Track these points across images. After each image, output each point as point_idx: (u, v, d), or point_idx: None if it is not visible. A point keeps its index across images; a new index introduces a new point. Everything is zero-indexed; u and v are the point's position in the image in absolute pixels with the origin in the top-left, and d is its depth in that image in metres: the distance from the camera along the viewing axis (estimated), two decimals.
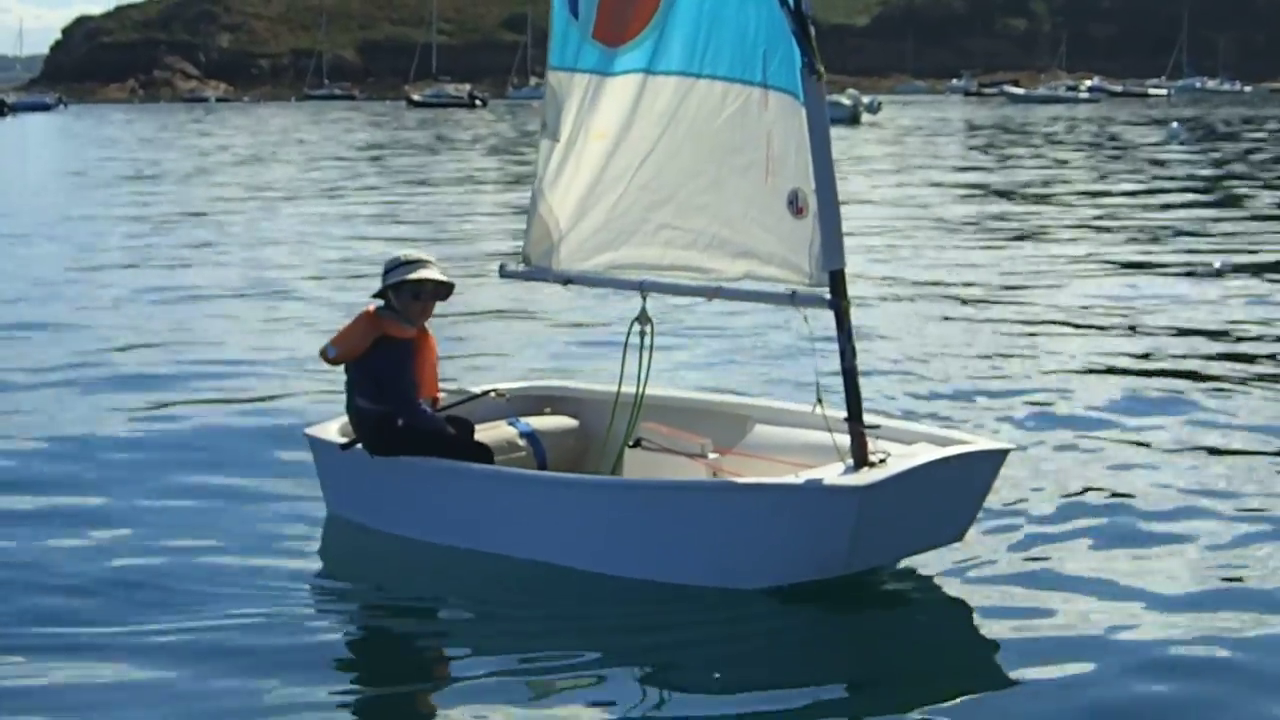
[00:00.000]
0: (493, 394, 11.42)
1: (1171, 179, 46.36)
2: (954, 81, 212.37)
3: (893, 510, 9.20)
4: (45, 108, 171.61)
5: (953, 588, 9.67)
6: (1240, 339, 18.04)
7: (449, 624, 9.58)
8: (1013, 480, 11.41)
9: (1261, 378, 15.74)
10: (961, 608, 9.43)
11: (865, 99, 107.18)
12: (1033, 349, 17.55)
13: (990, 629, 9.03)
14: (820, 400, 9.72)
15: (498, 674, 8.56)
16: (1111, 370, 16.18)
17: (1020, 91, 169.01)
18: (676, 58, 9.97)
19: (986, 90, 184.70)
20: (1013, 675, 8.38)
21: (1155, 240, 29.09)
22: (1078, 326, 19.15)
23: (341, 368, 10.45)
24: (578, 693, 8.37)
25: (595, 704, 8.24)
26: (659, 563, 9.49)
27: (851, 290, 9.52)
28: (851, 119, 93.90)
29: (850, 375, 9.36)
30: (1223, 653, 8.62)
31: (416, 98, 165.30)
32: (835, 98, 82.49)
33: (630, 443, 10.59)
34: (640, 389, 10.56)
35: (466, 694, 8.38)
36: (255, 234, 33.33)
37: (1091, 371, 16.16)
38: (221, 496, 11.95)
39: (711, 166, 9.96)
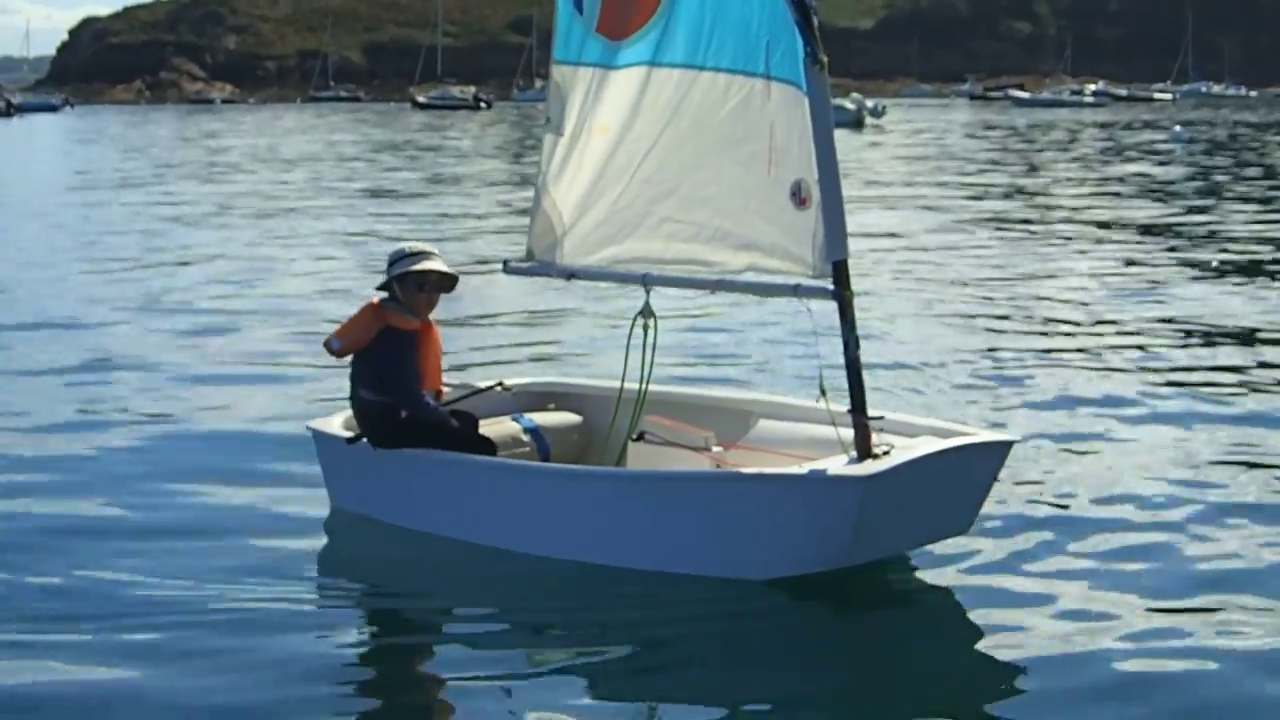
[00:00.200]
0: (498, 387, 11.45)
1: (1174, 180, 46.34)
2: (961, 86, 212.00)
3: (896, 502, 9.21)
4: (52, 108, 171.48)
5: (955, 581, 9.68)
6: (1243, 338, 18.03)
7: (450, 615, 9.60)
8: (1016, 473, 11.42)
9: (1266, 376, 15.74)
10: (964, 601, 9.43)
11: (869, 103, 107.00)
12: (1036, 344, 17.57)
13: (992, 623, 9.03)
14: (823, 393, 9.73)
15: (501, 666, 8.58)
16: (1116, 366, 16.20)
17: (1025, 95, 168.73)
18: (680, 50, 9.99)
19: (991, 94, 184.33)
20: (1014, 670, 8.38)
21: (1157, 240, 29.11)
22: (1082, 323, 19.16)
23: (345, 360, 10.48)
24: (580, 685, 8.37)
25: (597, 696, 8.25)
26: (663, 554, 9.50)
27: (854, 285, 9.50)
28: (855, 123, 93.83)
29: (854, 366, 9.36)
30: (1227, 650, 8.62)
31: (421, 100, 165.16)
32: (839, 101, 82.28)
33: (634, 436, 10.60)
34: (644, 383, 10.58)
35: (469, 685, 8.39)
36: (258, 230, 33.45)
37: (1095, 367, 16.17)
38: (225, 490, 11.97)
39: (714, 159, 9.98)
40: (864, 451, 9.28)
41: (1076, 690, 8.11)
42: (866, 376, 9.51)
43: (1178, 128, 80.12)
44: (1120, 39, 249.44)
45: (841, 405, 9.45)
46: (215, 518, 11.25)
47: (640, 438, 10.56)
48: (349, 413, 10.74)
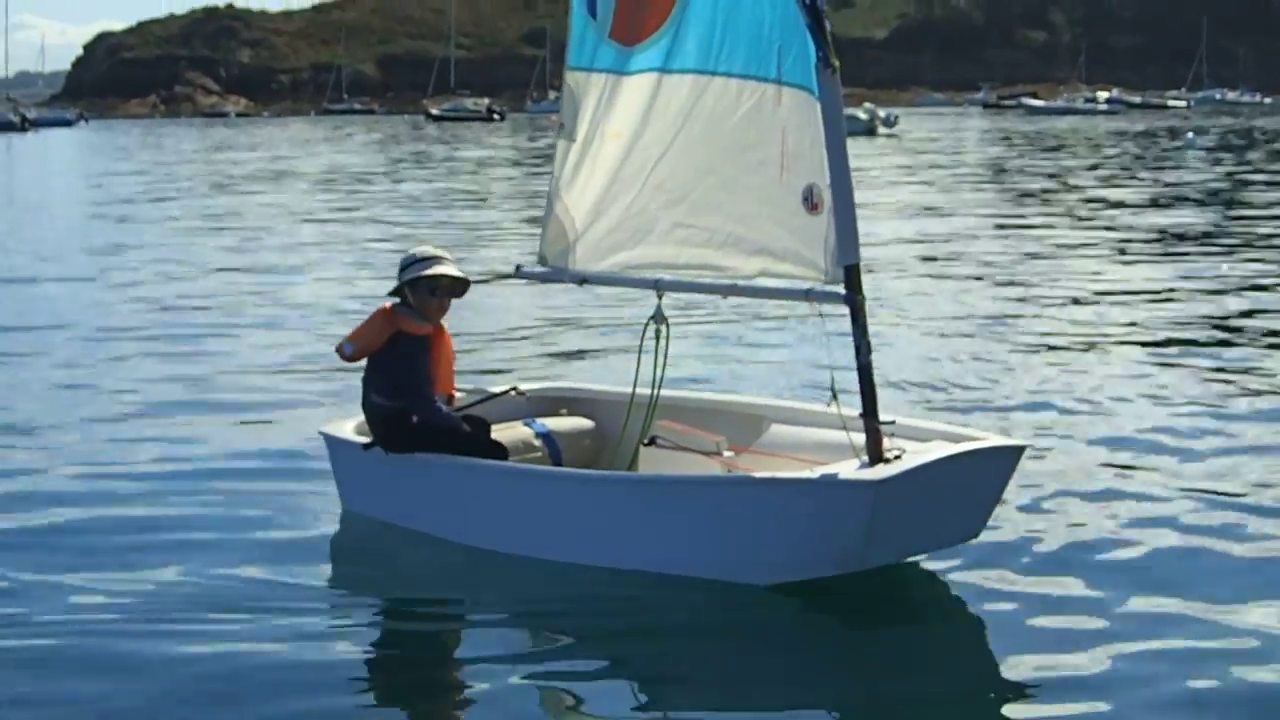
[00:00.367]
0: (512, 392, 11.45)
1: (1187, 185, 46.29)
2: (975, 95, 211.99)
3: (907, 506, 9.17)
4: (66, 123, 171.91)
5: (963, 585, 9.64)
6: (1260, 342, 17.99)
7: (461, 620, 9.58)
8: (1027, 478, 11.38)
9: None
10: (972, 606, 9.39)
11: (881, 112, 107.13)
12: (1048, 349, 17.53)
13: (1001, 627, 8.99)
14: (835, 397, 9.72)
15: (511, 670, 8.55)
16: (1129, 372, 16.13)
17: (1039, 103, 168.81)
18: (692, 56, 9.98)
19: (1005, 102, 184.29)
20: (1022, 674, 8.33)
21: (1169, 246, 29.03)
22: (1095, 328, 19.12)
23: (356, 364, 10.49)
24: (590, 689, 8.36)
25: (607, 701, 8.22)
26: (675, 558, 9.49)
27: (865, 290, 9.47)
28: (868, 131, 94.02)
29: (865, 371, 9.33)
30: (1242, 651, 8.58)
31: (435, 111, 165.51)
32: (851, 111, 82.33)
33: (645, 440, 10.61)
34: (655, 388, 10.58)
35: (478, 689, 8.39)
36: (272, 239, 33.57)
37: (1107, 372, 16.12)
38: (237, 494, 11.97)
39: (726, 164, 9.96)
40: (875, 456, 9.25)
41: (1086, 696, 8.06)
42: (877, 381, 9.48)
43: (1190, 134, 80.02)
44: (1135, 47, 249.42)
45: (853, 410, 9.43)
46: (226, 521, 11.25)
47: (652, 442, 10.54)
48: (361, 417, 10.75)
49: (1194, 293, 22.35)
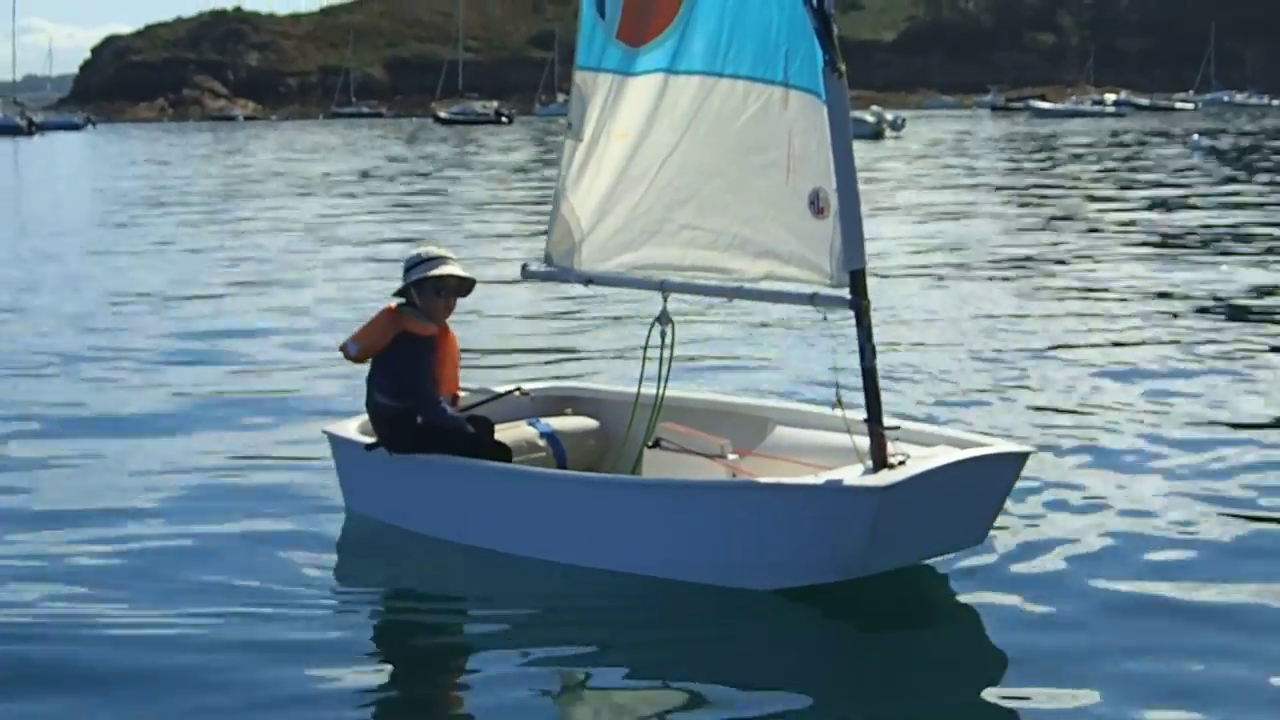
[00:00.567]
0: (517, 392, 11.43)
1: (1190, 186, 46.26)
2: (984, 97, 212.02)
3: (912, 512, 9.14)
4: (74, 127, 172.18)
5: (969, 591, 9.60)
6: (1266, 347, 17.94)
7: (462, 621, 9.57)
8: (1032, 483, 11.35)
9: None
10: (977, 611, 9.35)
11: (889, 115, 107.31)
12: (1054, 354, 17.48)
13: (1006, 633, 8.96)
14: (840, 401, 9.69)
15: (512, 672, 8.53)
16: (1133, 377, 16.07)
17: (1046, 106, 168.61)
18: (699, 57, 9.95)
19: (1013, 105, 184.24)
20: (1027, 680, 8.30)
21: (1175, 249, 28.98)
22: (1100, 333, 19.07)
23: (359, 363, 10.48)
24: (591, 693, 8.37)
25: (608, 705, 8.24)
26: (676, 562, 9.47)
27: (871, 292, 9.46)
28: (874, 135, 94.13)
29: (870, 376, 9.30)
30: (1244, 655, 8.55)
31: (443, 115, 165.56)
32: (859, 114, 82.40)
33: (649, 443, 10.58)
34: (660, 389, 10.55)
35: (480, 691, 8.40)
36: (277, 233, 33.71)
37: (1113, 377, 16.06)
38: (240, 493, 12.03)
39: (732, 166, 9.93)
40: (880, 461, 9.22)
41: (1090, 702, 8.03)
42: (882, 384, 9.46)
43: (1195, 135, 80.00)
44: (1143, 49, 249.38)
45: (858, 413, 9.40)
46: (230, 521, 11.26)
47: (656, 445, 10.52)
48: (365, 417, 10.75)
49: (1200, 296, 22.31)
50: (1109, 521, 10.92)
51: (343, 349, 10.40)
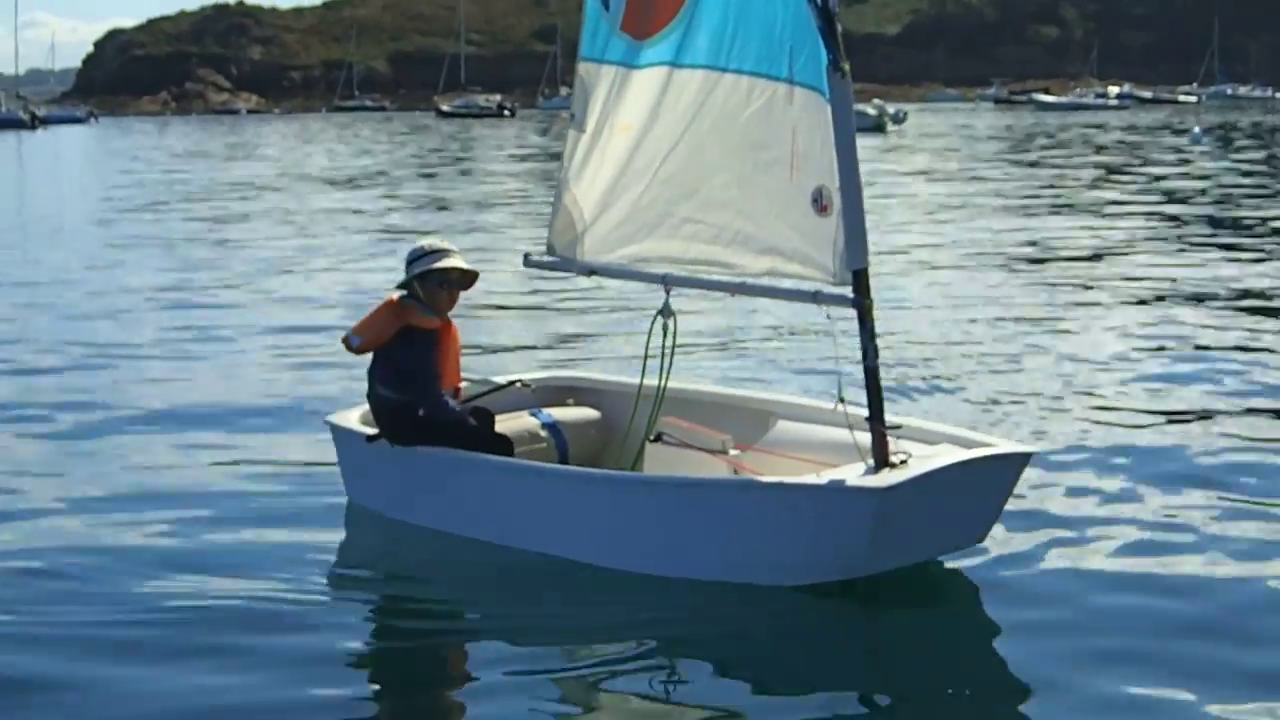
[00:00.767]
0: (518, 384, 11.45)
1: (1195, 180, 46.22)
2: (986, 90, 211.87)
3: (913, 512, 9.13)
4: (77, 121, 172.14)
5: (971, 590, 9.60)
6: (1269, 348, 17.93)
7: (462, 615, 9.60)
8: (1035, 482, 11.35)
9: None
10: (980, 610, 9.36)
11: (890, 108, 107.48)
12: (1057, 352, 17.44)
13: (1008, 631, 8.96)
14: (842, 398, 9.68)
15: (510, 666, 8.54)
16: (1138, 376, 16.04)
17: (1049, 99, 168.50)
18: (703, 51, 9.93)
19: (1016, 98, 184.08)
20: (1030, 678, 8.30)
21: (1178, 245, 28.91)
22: (1104, 330, 19.03)
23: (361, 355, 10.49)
24: (590, 688, 8.36)
25: (606, 700, 8.24)
26: (676, 560, 9.46)
27: (874, 291, 9.43)
28: (876, 128, 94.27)
29: (872, 374, 9.29)
30: (1247, 653, 8.56)
31: (446, 108, 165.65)
32: (860, 107, 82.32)
33: (651, 437, 10.58)
34: (662, 382, 10.54)
35: (477, 685, 8.41)
36: (281, 224, 33.75)
37: (1117, 376, 16.02)
38: (242, 483, 12.07)
39: (736, 162, 9.91)
40: (881, 460, 9.22)
41: (1094, 698, 8.04)
42: (884, 381, 9.45)
43: (1197, 129, 79.95)
44: (1147, 42, 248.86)
45: (860, 409, 9.39)
46: (231, 510, 11.31)
47: (658, 439, 10.52)
48: (366, 407, 10.75)
49: (1208, 290, 22.31)
50: (1111, 521, 10.89)
51: (345, 341, 10.38)
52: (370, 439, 10.57)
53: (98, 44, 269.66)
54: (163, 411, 14.79)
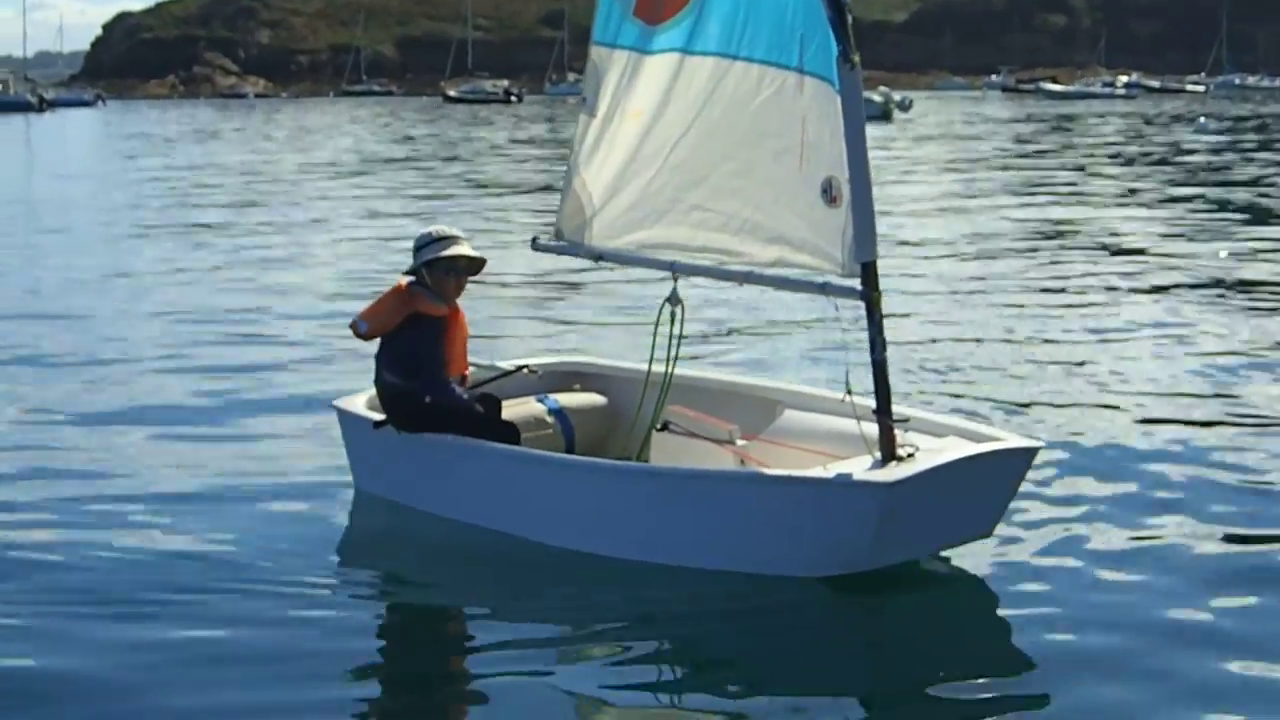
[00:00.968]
0: (525, 370, 11.44)
1: (1199, 170, 46.13)
2: (992, 78, 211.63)
3: (919, 506, 9.11)
4: (85, 104, 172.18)
5: (977, 584, 9.57)
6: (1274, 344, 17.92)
7: (468, 604, 9.55)
8: (1043, 477, 11.32)
9: None
10: (985, 604, 9.35)
11: (896, 96, 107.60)
12: (1066, 344, 17.42)
13: (1013, 626, 8.94)
14: (849, 390, 9.66)
15: (512, 661, 8.52)
16: (1148, 369, 15.99)
17: (1056, 88, 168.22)
18: (714, 38, 9.89)
19: (1023, 86, 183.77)
20: (1034, 673, 8.29)
21: (1183, 236, 28.85)
22: (1115, 323, 18.98)
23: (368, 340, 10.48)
24: (595, 676, 8.34)
25: (610, 689, 8.19)
26: (681, 550, 9.45)
27: (882, 283, 9.40)
28: (882, 115, 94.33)
29: (880, 367, 9.27)
30: (1251, 648, 8.55)
31: (452, 93, 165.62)
32: (866, 95, 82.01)
33: (658, 425, 10.56)
34: (669, 369, 10.51)
35: (480, 680, 8.39)
36: (289, 215, 33.85)
37: (1127, 369, 15.97)
38: (248, 469, 12.06)
39: (745, 150, 9.87)
40: (888, 453, 9.21)
41: (1102, 690, 8.04)
42: (892, 372, 9.42)
43: (1203, 118, 79.86)
44: (1155, 31, 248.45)
45: (867, 401, 9.37)
46: (239, 495, 11.33)
47: (665, 428, 10.50)
48: (373, 393, 10.74)
49: (1215, 282, 22.27)
50: (1118, 515, 10.85)
51: (353, 326, 10.38)
52: (377, 425, 10.56)
53: (106, 27, 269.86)
54: (166, 395, 14.82)
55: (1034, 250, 26.56)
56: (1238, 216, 32.18)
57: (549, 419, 10.91)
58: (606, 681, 8.25)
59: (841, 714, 7.99)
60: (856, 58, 9.20)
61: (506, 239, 26.92)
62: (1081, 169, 48.71)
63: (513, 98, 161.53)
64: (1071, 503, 11.08)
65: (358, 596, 9.51)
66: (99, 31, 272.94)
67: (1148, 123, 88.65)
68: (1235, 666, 8.33)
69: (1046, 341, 17.57)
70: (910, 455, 9.20)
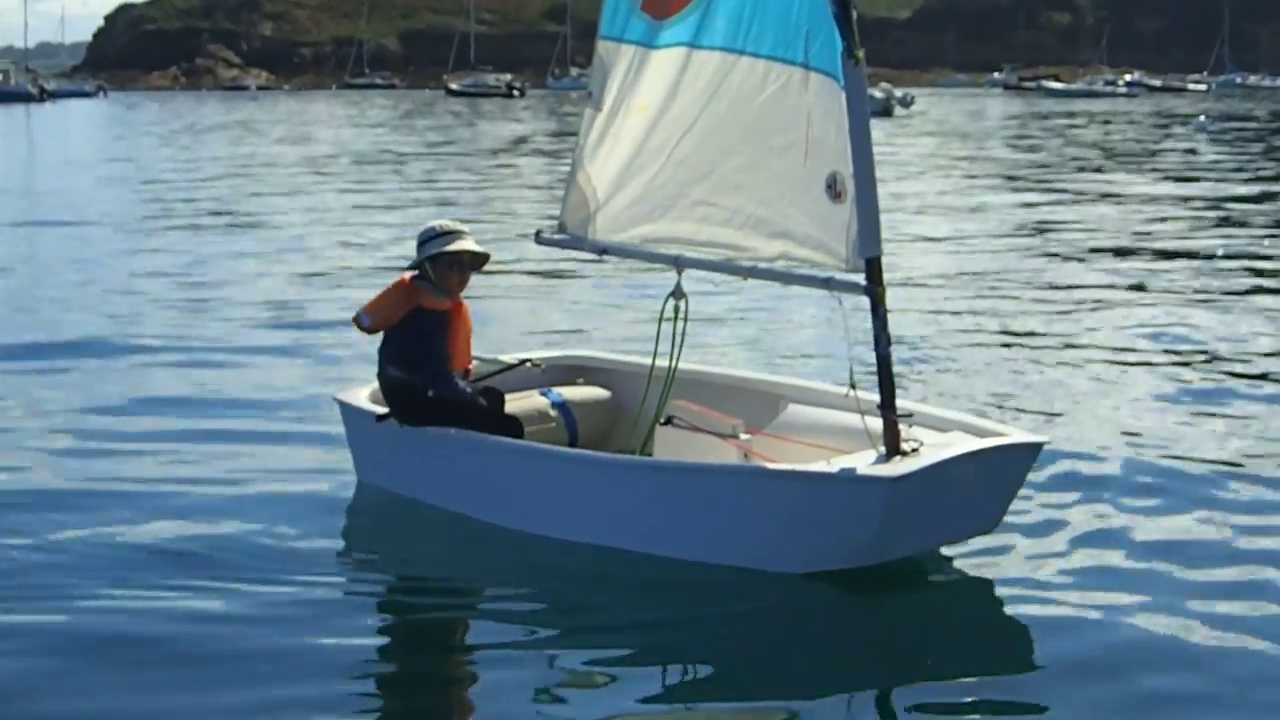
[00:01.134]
0: (528, 363, 11.44)
1: (1199, 167, 46.13)
2: (995, 75, 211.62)
3: (923, 501, 9.11)
4: (86, 95, 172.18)
5: (980, 579, 9.56)
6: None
7: (470, 598, 9.56)
8: (1047, 472, 11.32)
9: None
10: (986, 603, 9.34)
11: (898, 92, 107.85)
12: (1071, 340, 17.44)
13: (1014, 625, 8.94)
14: (853, 385, 9.65)
15: (517, 650, 8.54)
16: (1148, 364, 16.01)
17: (1058, 86, 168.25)
18: (720, 34, 9.89)
19: (1026, 84, 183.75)
20: (1036, 669, 8.31)
21: (1183, 234, 28.84)
22: (1119, 318, 18.99)
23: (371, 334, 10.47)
24: (597, 671, 8.35)
25: (614, 682, 8.21)
26: (685, 544, 9.45)
27: (886, 278, 9.39)
28: (884, 111, 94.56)
29: (884, 363, 9.26)
30: (1252, 645, 8.56)
31: (455, 87, 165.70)
32: (868, 91, 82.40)
33: (661, 420, 10.56)
34: (673, 364, 10.51)
35: (485, 669, 8.40)
36: (291, 205, 33.83)
37: (1131, 365, 15.98)
38: (251, 461, 12.08)
39: (750, 145, 9.87)
40: (892, 448, 9.19)
41: (1104, 685, 8.04)
42: (895, 366, 9.42)
43: (1202, 117, 79.89)
44: (1158, 30, 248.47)
45: (871, 396, 9.36)
46: (240, 487, 11.32)
47: (668, 422, 10.49)
48: (376, 386, 10.74)
49: (1218, 281, 22.27)
50: (1122, 511, 10.85)
51: (356, 320, 10.37)
52: (380, 418, 10.56)
53: (108, 18, 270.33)
54: (167, 387, 14.83)
55: (1034, 246, 26.56)
56: (1235, 214, 32.14)
57: (552, 413, 10.92)
58: (606, 680, 8.26)
59: (842, 714, 7.97)
60: (861, 53, 9.19)
61: (510, 233, 26.89)
62: (1082, 168, 48.66)
63: (515, 92, 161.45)
64: (1073, 501, 11.06)
65: (359, 589, 9.50)
66: (101, 23, 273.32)
67: (1147, 121, 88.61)
68: (1236, 666, 8.33)
69: (1051, 336, 17.58)
70: (914, 450, 9.18)
